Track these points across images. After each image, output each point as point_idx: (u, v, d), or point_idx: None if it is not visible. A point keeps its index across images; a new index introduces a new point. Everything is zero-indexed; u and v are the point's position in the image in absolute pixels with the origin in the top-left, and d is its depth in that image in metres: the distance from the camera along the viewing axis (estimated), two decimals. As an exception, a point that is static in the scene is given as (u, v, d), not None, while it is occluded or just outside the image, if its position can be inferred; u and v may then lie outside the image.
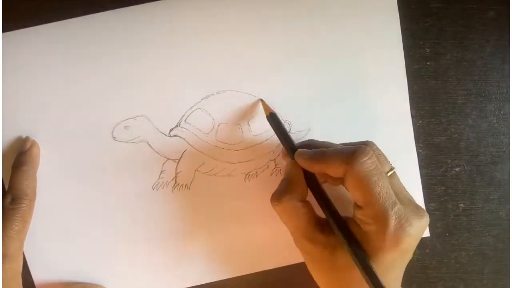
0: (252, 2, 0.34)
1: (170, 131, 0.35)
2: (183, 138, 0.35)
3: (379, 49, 0.35)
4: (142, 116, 0.35)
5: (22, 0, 0.34)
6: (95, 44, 0.34)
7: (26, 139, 0.34)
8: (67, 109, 0.34)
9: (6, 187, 0.33)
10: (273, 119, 0.33)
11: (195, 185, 0.35)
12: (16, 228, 0.31)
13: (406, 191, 0.31)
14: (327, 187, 0.32)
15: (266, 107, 0.34)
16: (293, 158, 0.31)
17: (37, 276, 0.35)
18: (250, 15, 0.34)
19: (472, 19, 0.36)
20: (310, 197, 0.31)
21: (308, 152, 0.30)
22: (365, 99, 0.36)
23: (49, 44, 0.34)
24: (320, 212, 0.31)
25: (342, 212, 0.30)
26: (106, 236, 0.35)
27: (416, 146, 0.36)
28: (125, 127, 0.35)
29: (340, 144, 0.32)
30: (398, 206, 0.27)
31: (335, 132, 0.36)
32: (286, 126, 0.35)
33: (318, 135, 0.35)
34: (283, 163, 0.35)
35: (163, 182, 0.35)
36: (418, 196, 0.36)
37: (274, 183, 0.32)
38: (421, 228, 0.28)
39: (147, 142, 0.35)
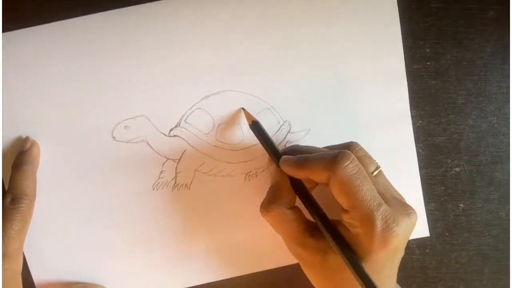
0: (252, 2, 0.34)
1: (170, 131, 0.35)
2: (183, 138, 0.35)
3: (379, 49, 0.35)
4: (142, 116, 0.35)
5: (22, 0, 0.34)
6: (95, 44, 0.34)
7: (26, 139, 0.34)
8: (67, 109, 0.34)
9: (6, 187, 0.33)
10: (255, 127, 0.33)
11: (195, 185, 0.35)
12: (16, 228, 0.31)
13: (394, 189, 0.31)
14: (315, 191, 0.32)
15: (248, 115, 0.34)
16: (278, 166, 0.31)
17: (37, 276, 0.35)
18: (250, 15, 0.34)
19: (472, 19, 0.36)
20: (300, 202, 0.31)
21: (292, 159, 0.30)
22: (365, 99, 0.35)
23: (49, 44, 0.34)
24: (310, 216, 0.31)
25: (332, 216, 0.30)
26: (106, 236, 0.35)
27: (416, 146, 0.36)
28: (125, 127, 0.35)
29: (325, 147, 0.32)
30: (384, 207, 0.27)
31: (335, 132, 0.36)
32: (286, 126, 0.35)
33: (318, 135, 0.35)
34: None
35: (163, 182, 0.35)
36: (418, 196, 0.36)
37: (274, 183, 0.32)
38: (409, 227, 0.28)
39: (147, 142, 0.35)
